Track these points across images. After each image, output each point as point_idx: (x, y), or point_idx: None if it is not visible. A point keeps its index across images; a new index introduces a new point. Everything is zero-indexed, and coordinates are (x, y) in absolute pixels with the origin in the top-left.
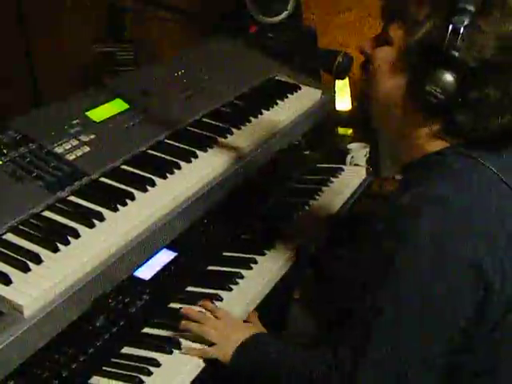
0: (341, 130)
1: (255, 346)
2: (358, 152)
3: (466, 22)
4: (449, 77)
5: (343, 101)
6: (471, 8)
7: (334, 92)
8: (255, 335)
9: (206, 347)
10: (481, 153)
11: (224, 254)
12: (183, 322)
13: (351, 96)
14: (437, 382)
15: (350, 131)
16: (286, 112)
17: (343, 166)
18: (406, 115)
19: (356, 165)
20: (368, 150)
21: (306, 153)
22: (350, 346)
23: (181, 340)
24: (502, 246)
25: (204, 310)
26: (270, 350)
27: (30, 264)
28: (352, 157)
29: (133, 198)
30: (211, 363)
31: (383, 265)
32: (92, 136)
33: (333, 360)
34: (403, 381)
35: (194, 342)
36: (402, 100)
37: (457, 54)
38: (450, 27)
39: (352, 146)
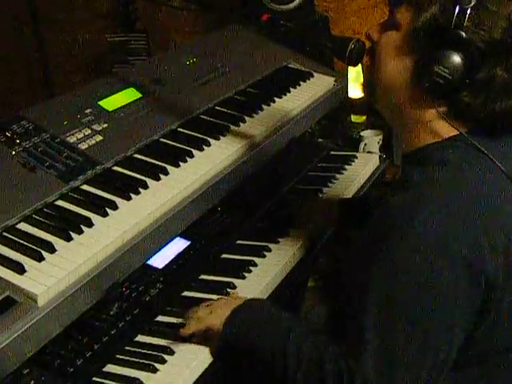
0: (354, 118)
1: (253, 307)
2: (372, 139)
3: (473, 3)
4: (456, 57)
5: (356, 88)
6: None
7: (347, 79)
8: (255, 299)
9: (202, 316)
10: (486, 142)
11: (237, 242)
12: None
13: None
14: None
15: (363, 118)
16: (298, 100)
17: (356, 154)
18: (412, 98)
19: (369, 152)
20: (381, 137)
21: (319, 140)
22: (345, 344)
23: None
24: (504, 245)
25: None
26: (268, 316)
27: (44, 253)
28: (365, 144)
29: (146, 187)
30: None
31: (377, 264)
32: (105, 125)
33: (333, 352)
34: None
35: None
36: (409, 83)
37: (464, 34)
38: (457, 8)
39: (365, 133)
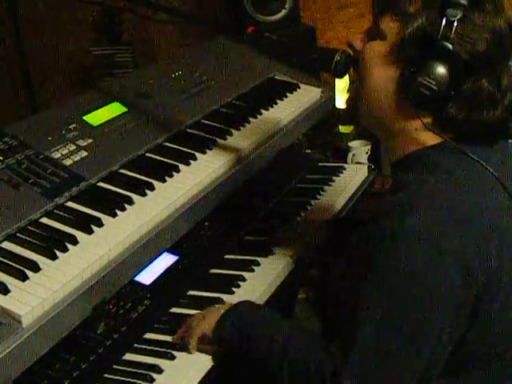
0: (342, 128)
1: (243, 308)
2: (360, 150)
3: (459, 15)
4: (442, 69)
5: (343, 98)
6: (464, 1)
7: (334, 90)
8: (245, 301)
9: (192, 327)
10: (471, 147)
11: (226, 256)
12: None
13: None
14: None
15: (350, 129)
16: (285, 111)
17: (344, 165)
18: (396, 109)
19: (358, 163)
20: (369, 147)
21: (307, 152)
22: (339, 343)
23: None
24: (494, 244)
25: None
26: (260, 315)
27: (28, 272)
28: (353, 155)
29: (131, 203)
30: (215, 368)
31: (369, 264)
32: (89, 140)
33: (326, 351)
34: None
35: None
36: (394, 93)
37: (450, 46)
38: (444, 20)
39: (353, 143)
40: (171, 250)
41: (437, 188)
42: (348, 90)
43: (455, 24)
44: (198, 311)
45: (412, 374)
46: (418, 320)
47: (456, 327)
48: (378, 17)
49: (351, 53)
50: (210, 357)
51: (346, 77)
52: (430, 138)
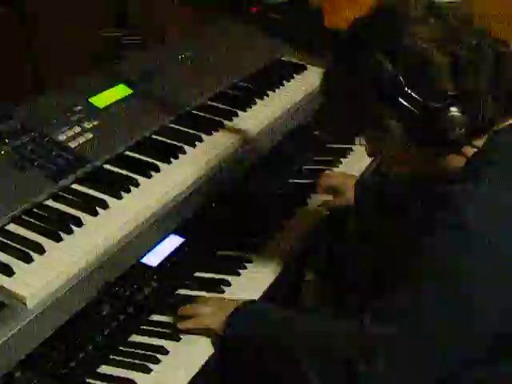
0: None
1: (256, 307)
2: None
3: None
4: (455, 113)
5: None
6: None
7: None
8: (253, 303)
9: (200, 316)
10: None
11: (232, 238)
12: (180, 308)
13: None
14: None
15: None
16: (291, 93)
17: (352, 146)
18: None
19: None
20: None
21: (315, 133)
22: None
23: None
24: None
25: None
26: (275, 312)
27: (33, 254)
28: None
29: (137, 185)
30: (219, 350)
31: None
32: (95, 122)
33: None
34: None
35: None
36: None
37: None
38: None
39: None
40: (178, 232)
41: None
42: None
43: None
44: (204, 293)
45: None
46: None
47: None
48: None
49: None
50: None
51: None
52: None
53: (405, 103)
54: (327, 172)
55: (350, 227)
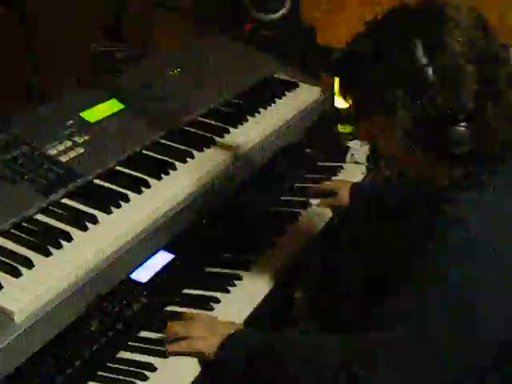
0: (341, 128)
1: (248, 334)
2: (359, 149)
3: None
4: (459, 128)
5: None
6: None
7: (334, 89)
8: (246, 328)
9: (192, 340)
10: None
11: (222, 254)
12: (169, 324)
13: None
14: None
15: (350, 129)
16: (284, 110)
17: (343, 164)
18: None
19: (356, 162)
20: (369, 147)
21: (306, 151)
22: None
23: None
24: None
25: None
26: (266, 339)
27: (22, 269)
28: (352, 155)
29: (127, 200)
30: (208, 367)
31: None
32: (86, 137)
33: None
34: None
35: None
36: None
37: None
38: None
39: (352, 143)
40: (167, 248)
41: (499, 196)
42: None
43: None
44: (193, 310)
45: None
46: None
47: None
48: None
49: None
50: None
51: None
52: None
53: (423, 100)
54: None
55: (344, 236)
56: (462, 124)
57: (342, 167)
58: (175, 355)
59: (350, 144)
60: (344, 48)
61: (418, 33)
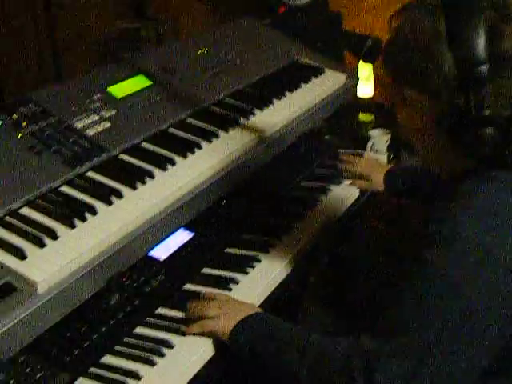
0: (362, 116)
1: (260, 320)
2: (379, 138)
3: (484, 77)
4: (489, 131)
5: (366, 86)
6: (484, 66)
7: (358, 77)
8: (261, 312)
9: (205, 320)
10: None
11: (242, 236)
12: (188, 304)
13: (374, 82)
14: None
15: (371, 117)
16: (309, 95)
17: (364, 152)
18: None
19: (377, 151)
20: (389, 136)
21: (326, 138)
22: (375, 337)
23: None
24: None
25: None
26: (277, 327)
27: (46, 239)
28: (373, 143)
29: (152, 177)
30: (224, 347)
31: (423, 266)
32: (113, 112)
33: (355, 347)
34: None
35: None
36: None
37: (488, 112)
38: (471, 95)
39: (373, 132)
40: (187, 227)
41: (493, 193)
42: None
43: (484, 91)
44: (212, 289)
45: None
46: (464, 320)
47: (500, 331)
48: (399, 85)
49: (382, 40)
50: None
51: (370, 66)
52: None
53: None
54: (355, 159)
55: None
56: (490, 128)
57: (362, 155)
58: (192, 334)
59: (371, 133)
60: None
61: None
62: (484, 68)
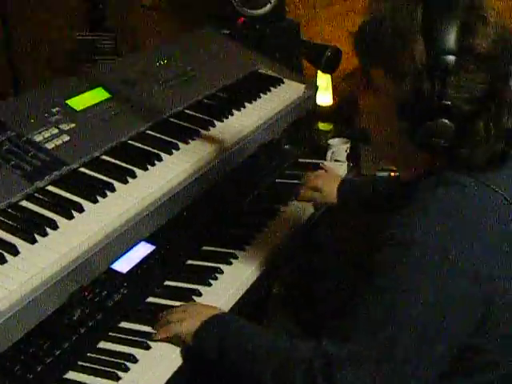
0: (321, 125)
1: (225, 320)
2: (339, 147)
3: (452, 71)
4: (447, 124)
5: (325, 95)
6: (453, 56)
7: (317, 87)
8: (225, 312)
9: (170, 324)
10: (479, 172)
11: (204, 248)
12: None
13: (333, 91)
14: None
15: (330, 126)
16: (268, 105)
17: (324, 162)
18: (404, 148)
19: (337, 160)
20: (349, 145)
21: (286, 147)
22: (336, 340)
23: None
24: (504, 254)
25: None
26: (242, 327)
27: (7, 255)
28: (333, 152)
29: (113, 190)
30: (189, 359)
31: (384, 270)
32: (72, 125)
33: (316, 349)
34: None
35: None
36: (401, 139)
37: (449, 102)
38: (436, 81)
39: (333, 141)
40: (148, 239)
41: (449, 196)
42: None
43: (448, 80)
44: (174, 302)
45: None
46: (425, 321)
47: (464, 331)
48: (367, 65)
49: (341, 50)
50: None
51: (328, 76)
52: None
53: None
54: (310, 173)
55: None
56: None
57: (323, 165)
58: (157, 341)
59: (331, 142)
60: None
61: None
62: (451, 58)
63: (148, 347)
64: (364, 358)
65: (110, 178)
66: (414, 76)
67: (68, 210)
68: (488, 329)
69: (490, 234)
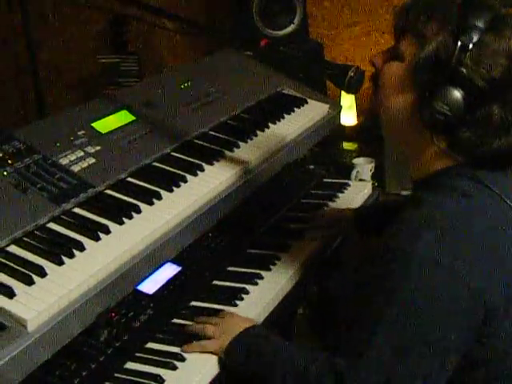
0: (346, 145)
1: (251, 336)
2: (364, 167)
3: (474, 39)
4: (456, 94)
5: (349, 115)
6: (481, 25)
7: (341, 106)
8: (251, 327)
9: (204, 341)
10: (485, 173)
11: (229, 268)
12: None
13: (357, 110)
14: None
15: (355, 146)
16: (292, 126)
17: (349, 181)
18: (413, 132)
19: (361, 180)
20: (373, 164)
21: (311, 167)
22: (346, 356)
23: (185, 356)
24: (507, 271)
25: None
26: (266, 342)
27: (34, 277)
28: (357, 172)
29: (139, 211)
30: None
31: (380, 283)
32: (98, 147)
33: (327, 361)
34: None
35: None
36: (410, 117)
37: (464, 71)
38: (459, 44)
39: (357, 160)
40: (174, 260)
41: (455, 213)
42: (369, 106)
43: (470, 48)
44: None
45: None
46: (428, 334)
47: (462, 345)
48: (399, 36)
49: (367, 70)
50: (213, 366)
51: (353, 96)
52: (446, 163)
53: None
54: (320, 211)
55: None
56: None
57: (347, 184)
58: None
59: (355, 161)
60: None
61: None
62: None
63: (174, 367)
64: (373, 373)
65: (135, 199)
66: (437, 42)
67: (94, 231)
68: (488, 340)
69: (496, 251)
